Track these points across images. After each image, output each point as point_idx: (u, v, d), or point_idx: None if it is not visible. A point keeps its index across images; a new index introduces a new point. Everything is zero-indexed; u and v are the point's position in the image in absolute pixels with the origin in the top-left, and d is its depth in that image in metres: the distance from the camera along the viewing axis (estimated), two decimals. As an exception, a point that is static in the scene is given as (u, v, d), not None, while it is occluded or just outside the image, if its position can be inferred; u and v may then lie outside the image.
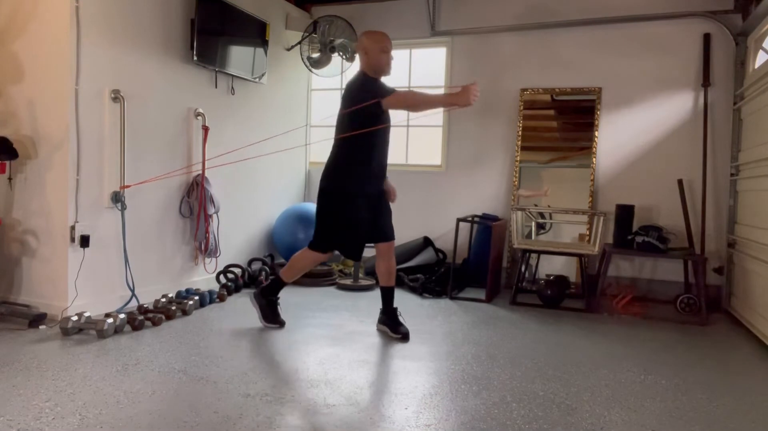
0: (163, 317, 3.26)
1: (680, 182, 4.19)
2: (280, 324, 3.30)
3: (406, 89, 3.17)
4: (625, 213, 4.12)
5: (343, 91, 3.18)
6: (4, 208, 3.36)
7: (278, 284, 3.31)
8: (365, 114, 3.01)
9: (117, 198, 3.44)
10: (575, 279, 4.45)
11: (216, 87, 4.22)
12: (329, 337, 3.13)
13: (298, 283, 4.28)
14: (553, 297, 4.06)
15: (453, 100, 3.00)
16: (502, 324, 3.53)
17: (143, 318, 3.16)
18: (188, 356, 2.70)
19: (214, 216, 4.15)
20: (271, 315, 3.29)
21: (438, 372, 2.62)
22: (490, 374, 2.60)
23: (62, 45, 3.15)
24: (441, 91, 5.12)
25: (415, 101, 3.11)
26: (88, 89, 3.26)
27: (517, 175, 4.79)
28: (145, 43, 3.62)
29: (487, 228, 4.47)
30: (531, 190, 4.74)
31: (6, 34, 3.30)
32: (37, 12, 3.21)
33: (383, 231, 3.23)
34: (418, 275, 4.53)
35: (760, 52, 3.91)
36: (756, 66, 3.94)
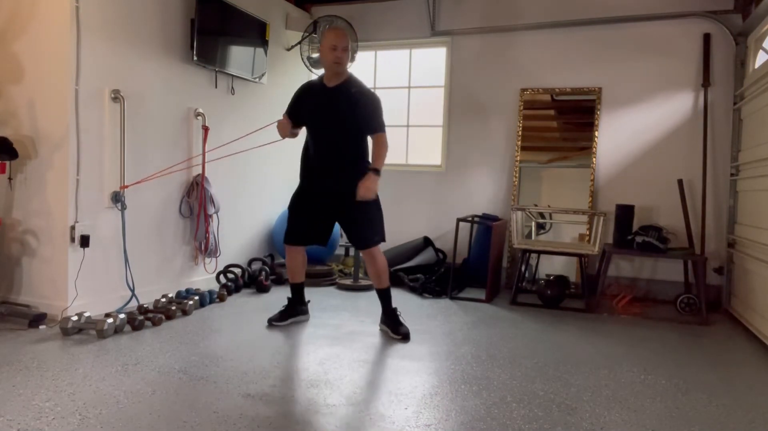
0: (163, 317, 3.26)
1: (680, 182, 4.19)
2: (305, 314, 3.47)
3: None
4: (625, 213, 4.12)
5: (358, 98, 3.16)
6: (4, 207, 3.36)
7: (291, 287, 3.41)
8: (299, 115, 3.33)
9: (117, 198, 3.44)
10: (575, 279, 4.45)
11: (216, 87, 4.22)
12: (329, 337, 3.13)
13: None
14: (553, 297, 4.06)
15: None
16: (502, 324, 3.53)
17: (143, 318, 3.16)
18: (188, 356, 2.70)
19: (214, 216, 4.15)
20: (295, 312, 3.42)
21: (438, 372, 2.62)
22: (490, 374, 2.60)
23: (62, 45, 3.15)
24: (441, 92, 5.13)
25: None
26: (88, 89, 3.26)
27: (517, 175, 4.79)
28: (145, 43, 3.62)
29: (487, 229, 4.47)
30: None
31: (6, 34, 3.30)
32: (37, 12, 3.21)
33: (355, 239, 3.28)
34: (418, 275, 4.53)
35: (760, 52, 3.91)
36: (756, 66, 3.94)
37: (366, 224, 3.19)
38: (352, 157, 3.20)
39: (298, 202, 3.32)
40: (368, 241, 3.20)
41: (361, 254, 3.30)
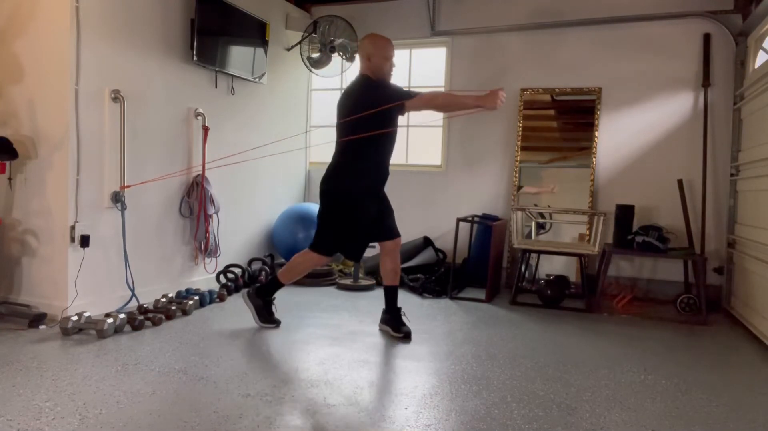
0: (163, 317, 3.26)
1: (680, 182, 4.19)
2: (276, 323, 3.29)
3: (435, 91, 3.10)
4: (625, 213, 4.12)
5: (348, 95, 3.11)
6: (4, 207, 3.36)
7: (275, 285, 3.29)
8: (380, 117, 2.95)
9: (117, 198, 3.44)
10: (575, 279, 4.45)
11: (216, 87, 4.22)
12: (329, 337, 3.13)
13: (298, 283, 4.25)
14: (553, 297, 4.06)
15: (480, 102, 2.95)
16: (502, 324, 3.53)
17: (143, 318, 3.16)
18: (188, 356, 2.70)
19: (214, 216, 4.15)
20: (266, 315, 3.29)
21: (438, 372, 2.62)
22: (490, 374, 2.60)
23: (62, 45, 3.15)
24: (442, 89, 5.12)
25: (442, 102, 3.17)
26: (88, 89, 3.26)
27: (517, 175, 4.79)
28: (145, 43, 3.62)
29: (487, 229, 4.47)
30: (536, 187, 4.75)
31: (6, 34, 3.30)
32: (37, 12, 3.21)
33: (389, 230, 3.23)
34: (418, 275, 4.53)
35: (760, 52, 3.91)
36: (756, 66, 3.94)
37: (393, 214, 3.28)
38: None
39: (363, 212, 3.10)
40: (397, 230, 3.27)
41: (386, 249, 3.22)
